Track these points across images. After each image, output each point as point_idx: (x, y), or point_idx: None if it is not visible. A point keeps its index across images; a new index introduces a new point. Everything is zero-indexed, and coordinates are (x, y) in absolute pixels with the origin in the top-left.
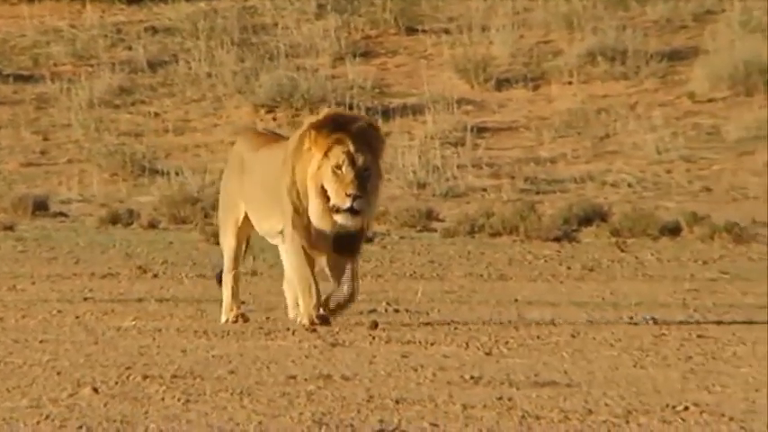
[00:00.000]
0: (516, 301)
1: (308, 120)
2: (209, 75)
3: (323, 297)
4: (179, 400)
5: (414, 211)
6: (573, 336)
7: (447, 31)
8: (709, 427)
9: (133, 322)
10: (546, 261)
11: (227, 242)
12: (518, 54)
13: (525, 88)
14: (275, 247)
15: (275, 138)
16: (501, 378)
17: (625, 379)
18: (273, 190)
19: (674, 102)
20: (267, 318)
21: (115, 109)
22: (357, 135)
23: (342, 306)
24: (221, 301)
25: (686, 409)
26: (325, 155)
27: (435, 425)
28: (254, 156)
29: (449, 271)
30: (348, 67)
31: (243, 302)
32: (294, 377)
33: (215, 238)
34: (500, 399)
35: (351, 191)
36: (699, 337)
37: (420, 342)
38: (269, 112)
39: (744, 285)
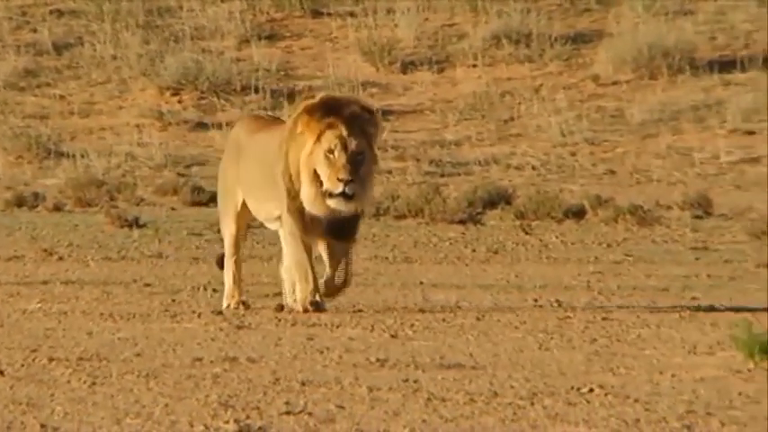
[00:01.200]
0: (421, 283)
1: (303, 103)
2: (115, 57)
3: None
4: (85, 382)
5: None
6: (478, 318)
7: (352, 14)
8: (614, 409)
9: (39, 305)
10: (451, 244)
11: (228, 228)
12: (423, 37)
13: (430, 71)
14: (180, 230)
15: (272, 122)
16: (406, 360)
17: (530, 361)
18: (269, 175)
19: (579, 84)
20: (173, 300)
21: (20, 91)
22: (350, 119)
23: (335, 292)
24: (224, 286)
25: (591, 391)
26: (318, 139)
27: (341, 407)
28: (250, 140)
29: (354, 253)
30: (253, 50)
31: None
32: (200, 359)
33: (120, 220)
34: (406, 381)
35: (342, 176)
36: (603, 319)
37: (326, 325)
38: (174, 94)
39: (647, 268)
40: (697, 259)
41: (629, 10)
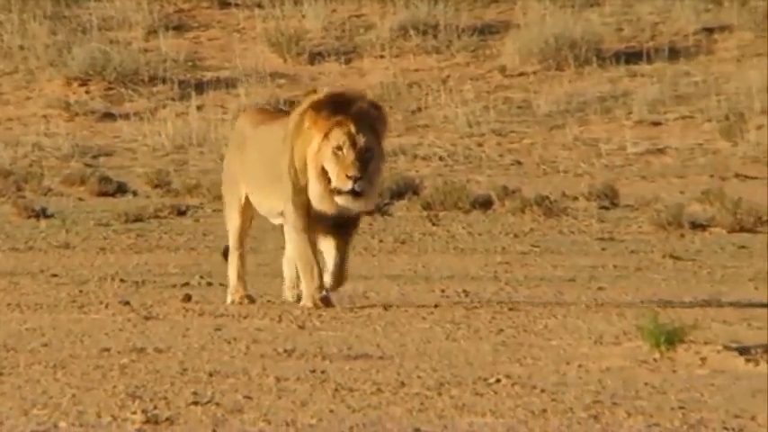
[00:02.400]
0: None
1: (309, 98)
2: (22, 47)
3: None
4: None
5: None
6: (385, 309)
7: (260, 5)
8: (521, 399)
9: None
10: (358, 234)
11: (232, 221)
12: (330, 28)
13: (338, 62)
14: (87, 220)
15: (277, 115)
16: (314, 351)
17: (437, 351)
18: (273, 169)
19: (486, 76)
20: (80, 291)
21: None
22: (358, 116)
23: (333, 288)
24: (228, 280)
25: (498, 381)
26: (326, 136)
27: (249, 397)
28: (254, 133)
29: (262, 244)
30: (161, 41)
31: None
32: (108, 350)
33: (27, 211)
34: (313, 371)
35: (352, 173)
36: (510, 309)
37: (233, 315)
38: (82, 85)
39: (554, 258)
40: (603, 250)
41: (535, 2)
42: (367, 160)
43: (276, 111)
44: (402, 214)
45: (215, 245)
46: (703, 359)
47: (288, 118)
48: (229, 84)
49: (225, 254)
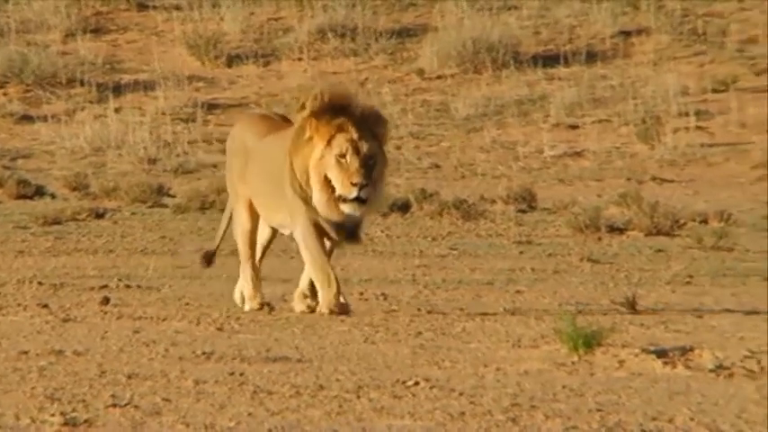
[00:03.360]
0: None
1: (309, 104)
2: None
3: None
4: None
5: (145, 187)
6: (304, 311)
7: (178, 8)
8: (440, 402)
9: None
10: (277, 237)
11: (240, 227)
12: (249, 31)
13: (256, 65)
14: (5, 223)
15: (280, 125)
16: (233, 353)
17: (356, 354)
18: (279, 185)
19: (404, 79)
20: None
21: None
22: (360, 121)
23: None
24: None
25: (416, 384)
26: (328, 143)
27: (167, 400)
28: (258, 145)
29: (180, 246)
30: (79, 43)
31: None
32: (26, 352)
33: None
34: (232, 374)
35: (356, 180)
36: (429, 312)
37: (152, 318)
38: None
39: (472, 261)
40: (521, 253)
41: (453, 5)
42: (371, 166)
43: (279, 119)
44: None
45: (133, 247)
46: (621, 362)
47: (290, 129)
48: (147, 86)
49: (206, 259)
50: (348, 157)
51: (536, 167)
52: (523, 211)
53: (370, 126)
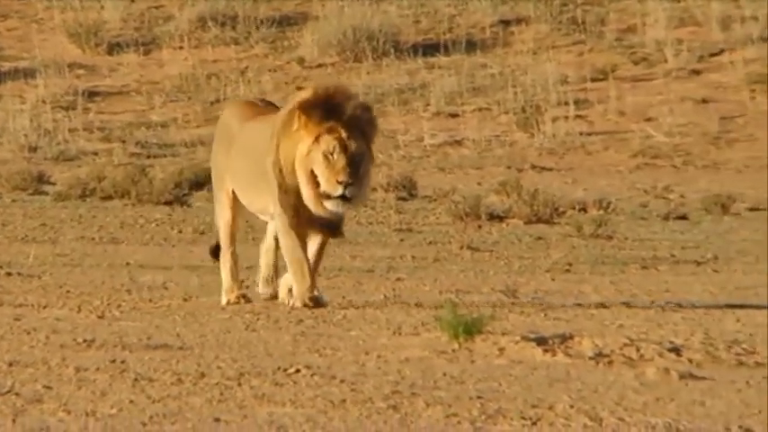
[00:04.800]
0: (128, 264)
1: (298, 95)
2: None
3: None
4: None
5: (25, 175)
6: (185, 299)
7: None
8: (321, 390)
9: None
10: (157, 225)
11: (223, 217)
12: (129, 19)
13: (137, 53)
14: None
15: (265, 110)
16: (114, 341)
17: (237, 342)
18: (262, 168)
19: (284, 67)
20: None
21: None
22: (350, 122)
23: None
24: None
25: (298, 371)
26: (316, 140)
27: (49, 387)
28: (242, 130)
29: (61, 234)
30: None
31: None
32: None
33: None
34: (113, 361)
35: (342, 178)
36: (309, 299)
37: (33, 305)
38: None
39: (352, 249)
40: (402, 241)
41: None
42: (357, 164)
43: (264, 104)
44: (201, 205)
45: (14, 235)
46: (501, 349)
47: (276, 115)
48: (28, 74)
49: (213, 252)
50: (335, 154)
51: (416, 156)
52: (404, 199)
53: (359, 125)
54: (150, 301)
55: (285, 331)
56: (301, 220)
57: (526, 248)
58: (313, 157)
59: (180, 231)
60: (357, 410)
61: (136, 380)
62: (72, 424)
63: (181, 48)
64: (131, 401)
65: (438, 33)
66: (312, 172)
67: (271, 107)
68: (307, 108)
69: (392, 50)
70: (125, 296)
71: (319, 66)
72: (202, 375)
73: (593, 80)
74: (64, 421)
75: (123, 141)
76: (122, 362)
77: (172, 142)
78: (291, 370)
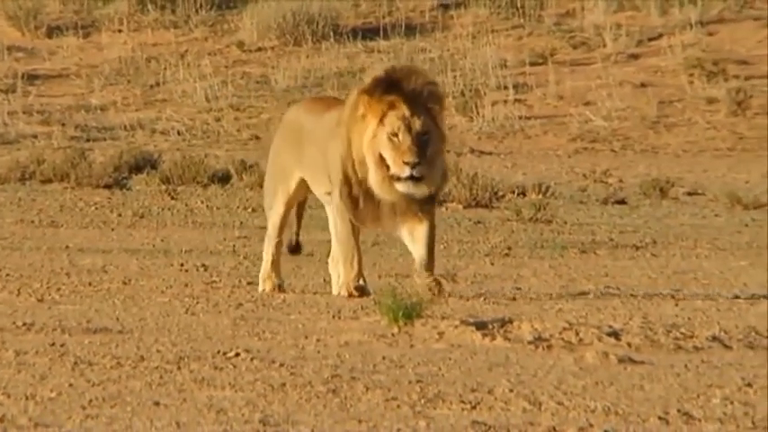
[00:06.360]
0: (68, 247)
1: (367, 79)
2: None
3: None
4: None
5: None
6: (125, 283)
7: None
8: (260, 373)
9: None
10: (97, 208)
11: (275, 210)
12: (68, 2)
13: (76, 36)
14: None
15: (336, 103)
16: (53, 324)
17: (177, 325)
18: (326, 155)
19: (224, 51)
20: None
21: None
22: (412, 97)
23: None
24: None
25: (237, 355)
26: (381, 122)
27: None
28: (316, 123)
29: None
30: None
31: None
32: None
33: None
34: (52, 345)
35: (408, 158)
36: (249, 284)
37: None
38: None
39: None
40: None
41: None
42: (424, 143)
43: (333, 99)
44: (141, 188)
45: None
46: (441, 333)
47: (342, 105)
48: None
49: (293, 249)
50: (400, 135)
51: None
52: None
53: (423, 102)
54: (90, 284)
55: (225, 315)
56: (362, 213)
57: (465, 232)
58: (379, 140)
59: (119, 215)
60: (297, 394)
61: (75, 363)
62: (12, 407)
63: (120, 31)
64: (71, 385)
65: (377, 17)
66: (380, 155)
67: (337, 101)
68: (369, 89)
69: (332, 34)
70: (64, 279)
71: (259, 49)
72: (142, 359)
73: (533, 64)
74: (3, 404)
75: (63, 125)
76: (62, 345)
77: (111, 125)
78: (231, 354)
